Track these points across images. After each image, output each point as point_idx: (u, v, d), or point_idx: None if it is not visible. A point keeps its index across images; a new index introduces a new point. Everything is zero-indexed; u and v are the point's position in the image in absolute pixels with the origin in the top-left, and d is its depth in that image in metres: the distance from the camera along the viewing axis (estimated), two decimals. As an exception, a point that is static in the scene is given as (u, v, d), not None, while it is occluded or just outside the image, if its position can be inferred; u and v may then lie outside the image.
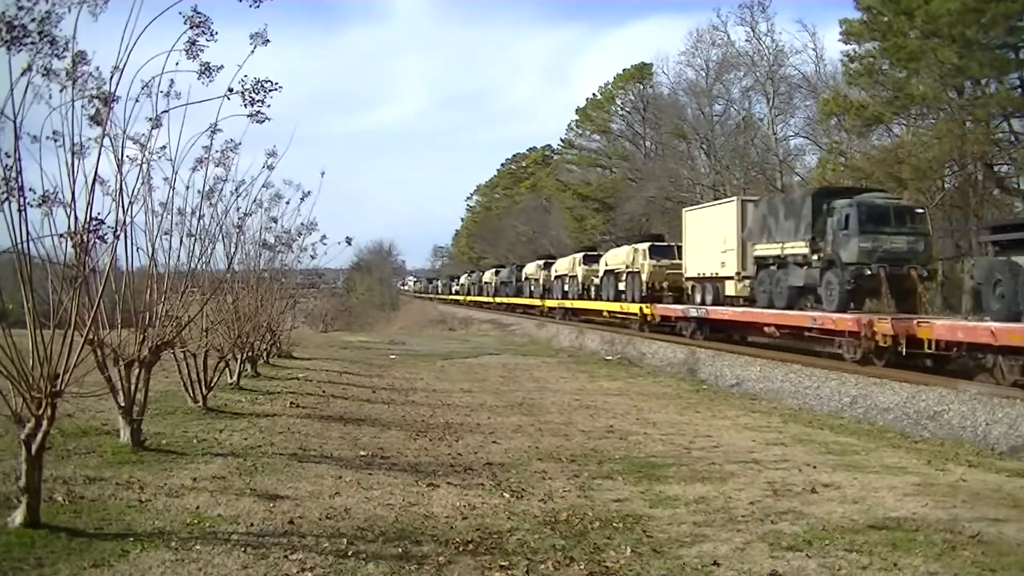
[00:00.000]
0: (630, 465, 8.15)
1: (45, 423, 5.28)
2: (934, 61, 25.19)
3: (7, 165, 4.94)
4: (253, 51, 6.19)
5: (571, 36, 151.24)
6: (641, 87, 56.57)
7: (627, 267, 28.90)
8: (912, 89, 26.71)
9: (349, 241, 16.36)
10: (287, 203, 13.39)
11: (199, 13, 5.59)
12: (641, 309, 26.88)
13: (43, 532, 5.11)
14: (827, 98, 32.65)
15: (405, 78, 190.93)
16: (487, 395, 14.08)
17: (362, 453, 8.38)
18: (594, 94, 60.16)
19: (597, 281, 33.00)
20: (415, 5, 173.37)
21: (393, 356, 22.56)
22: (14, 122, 4.91)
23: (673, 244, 27.70)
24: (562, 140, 66.53)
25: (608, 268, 31.35)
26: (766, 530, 5.87)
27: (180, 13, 5.56)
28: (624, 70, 57.46)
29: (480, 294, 59.54)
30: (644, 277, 27.35)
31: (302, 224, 14.05)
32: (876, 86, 28.61)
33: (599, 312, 32.58)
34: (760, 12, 43.32)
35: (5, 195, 4.91)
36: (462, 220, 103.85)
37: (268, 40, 6.25)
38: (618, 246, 34.56)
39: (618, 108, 58.86)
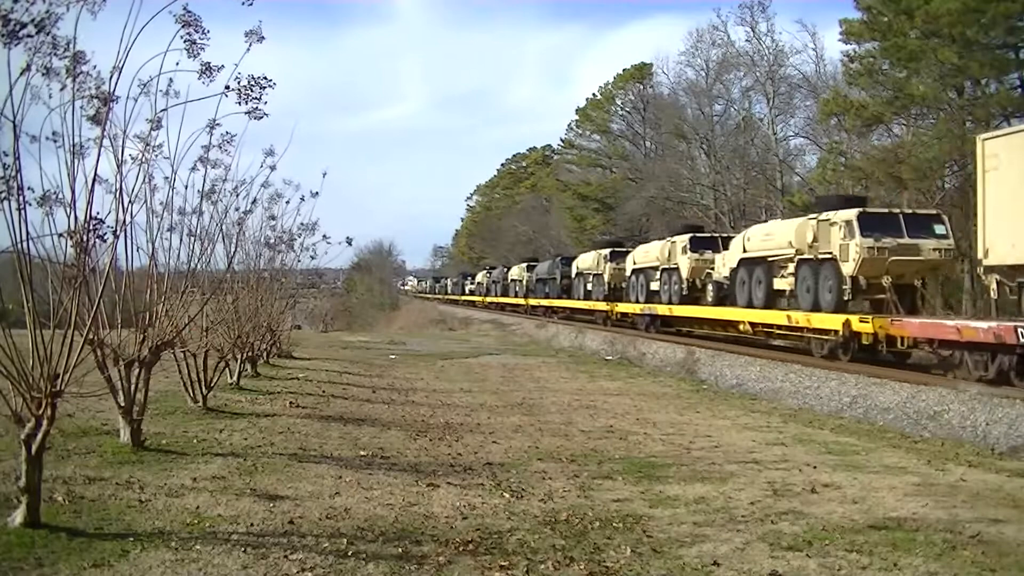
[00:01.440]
0: (630, 465, 8.15)
1: (45, 423, 5.28)
2: (934, 61, 25.19)
3: (6, 164, 4.94)
4: (249, 48, 6.21)
5: (571, 36, 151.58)
6: (641, 87, 56.58)
7: (797, 252, 18.00)
8: (912, 89, 26.70)
9: (350, 241, 16.39)
10: (287, 203, 13.42)
11: (189, 12, 5.63)
12: (847, 324, 15.70)
13: (43, 532, 5.11)
14: (827, 98, 32.63)
15: (406, 78, 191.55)
16: (487, 395, 14.08)
17: (362, 453, 8.38)
18: (594, 94, 60.21)
19: (720, 276, 21.94)
20: (416, 5, 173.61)
21: (393, 356, 22.56)
22: (13, 121, 4.91)
23: (897, 211, 17.35)
24: (562, 140, 66.62)
25: (749, 256, 20.19)
26: (766, 530, 5.87)
27: (171, 12, 5.60)
28: (624, 70, 57.48)
29: (505, 295, 49.82)
30: (848, 269, 16.35)
31: (302, 224, 14.08)
32: (876, 86, 28.60)
33: (731, 324, 21.18)
34: (760, 12, 43.36)
35: (4, 194, 4.90)
36: (462, 220, 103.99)
37: (263, 37, 6.28)
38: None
39: (618, 108, 58.86)
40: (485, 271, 60.46)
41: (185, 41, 5.68)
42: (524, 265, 46.55)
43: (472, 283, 63.94)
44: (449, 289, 76.88)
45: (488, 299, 54.69)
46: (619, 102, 58.54)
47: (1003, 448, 10.04)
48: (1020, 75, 25.92)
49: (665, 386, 16.44)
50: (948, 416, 11.62)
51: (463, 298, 64.87)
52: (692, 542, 5.58)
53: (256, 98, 5.98)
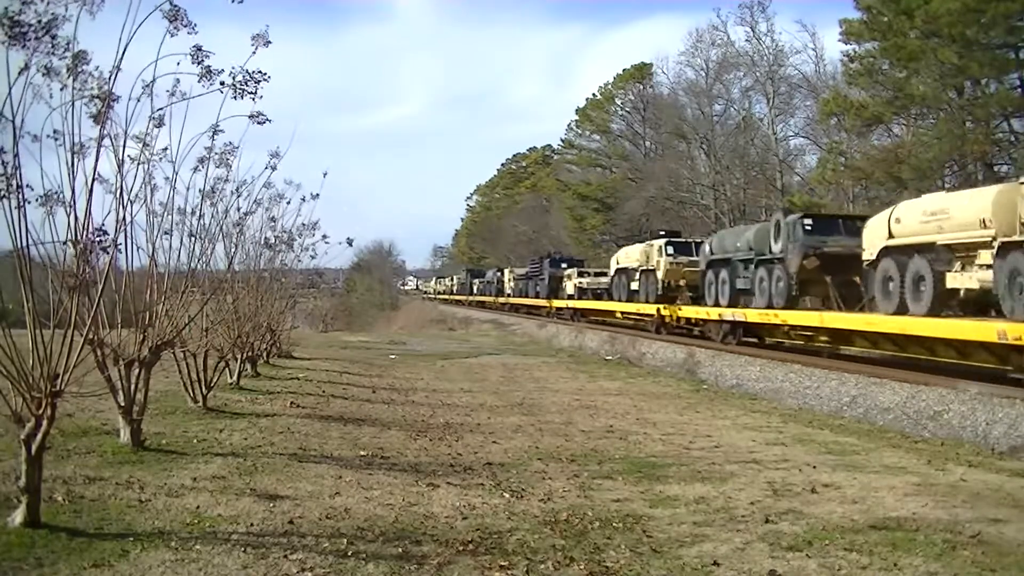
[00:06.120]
0: (630, 465, 8.15)
1: (45, 423, 5.27)
2: (934, 61, 25.20)
3: (5, 162, 4.93)
4: (255, 52, 6.24)
5: (572, 36, 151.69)
6: (641, 87, 56.70)
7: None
8: (912, 89, 26.72)
9: (350, 242, 16.45)
10: (287, 203, 13.42)
11: (175, 7, 5.64)
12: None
13: (43, 532, 5.11)
14: (827, 98, 32.69)
15: (407, 78, 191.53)
16: (487, 395, 14.07)
17: (362, 453, 8.38)
18: (594, 94, 60.36)
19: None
20: (417, 5, 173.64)
21: (393, 356, 22.56)
22: (12, 121, 4.91)
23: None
24: (562, 140, 66.79)
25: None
26: (766, 530, 5.87)
27: (159, 9, 5.61)
28: (624, 70, 57.63)
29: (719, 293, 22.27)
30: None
31: (303, 224, 14.07)
32: (876, 86, 28.63)
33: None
34: (760, 12, 43.56)
35: (4, 193, 4.90)
36: (462, 220, 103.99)
37: (270, 41, 6.34)
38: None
39: (618, 108, 58.98)
40: (637, 250, 28.84)
41: (193, 47, 5.70)
42: (750, 231, 25.40)
43: (584, 276, 36.12)
44: (506, 287, 48.25)
45: (634, 308, 27.29)
46: (619, 102, 58.68)
47: (1003, 448, 10.03)
48: (1020, 75, 25.93)
49: (665, 386, 16.44)
50: (948, 416, 11.61)
51: (542, 303, 39.55)
52: (692, 542, 5.58)
53: (252, 93, 5.99)
